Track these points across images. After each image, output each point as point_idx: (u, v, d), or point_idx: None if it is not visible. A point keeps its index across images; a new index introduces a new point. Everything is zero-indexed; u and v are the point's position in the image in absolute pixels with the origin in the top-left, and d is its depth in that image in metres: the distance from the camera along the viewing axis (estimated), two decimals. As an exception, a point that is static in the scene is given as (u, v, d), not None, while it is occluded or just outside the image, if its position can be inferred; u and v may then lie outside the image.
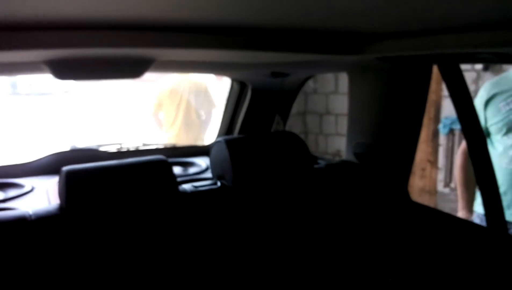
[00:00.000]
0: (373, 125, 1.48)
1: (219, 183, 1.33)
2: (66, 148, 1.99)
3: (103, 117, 9.13)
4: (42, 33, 0.96)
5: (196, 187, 1.30)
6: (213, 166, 1.38)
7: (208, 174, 1.84)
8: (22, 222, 1.04)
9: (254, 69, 1.55)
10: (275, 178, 1.32)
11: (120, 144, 2.08)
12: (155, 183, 1.16)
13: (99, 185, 1.10)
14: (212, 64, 1.47)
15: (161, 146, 2.18)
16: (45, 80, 11.30)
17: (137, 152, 2.06)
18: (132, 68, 1.20)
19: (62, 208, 1.08)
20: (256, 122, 1.96)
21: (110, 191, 1.10)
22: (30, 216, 1.06)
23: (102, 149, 2.01)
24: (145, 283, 1.12)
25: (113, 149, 2.04)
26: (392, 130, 1.46)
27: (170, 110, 3.45)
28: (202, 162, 1.96)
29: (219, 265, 1.22)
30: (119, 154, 2.01)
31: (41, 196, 1.57)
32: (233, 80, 1.96)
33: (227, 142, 1.29)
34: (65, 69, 1.14)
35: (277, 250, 1.29)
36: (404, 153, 1.49)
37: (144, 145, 2.13)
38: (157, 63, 1.25)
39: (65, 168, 1.09)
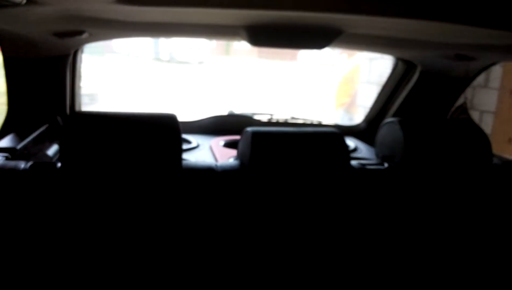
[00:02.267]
0: None
1: (386, 164, 1.30)
2: (224, 112, 2.13)
3: (236, 88, 9.58)
4: None
5: (362, 164, 1.29)
6: (379, 146, 1.35)
7: (357, 155, 1.81)
8: (210, 171, 1.13)
9: (439, 49, 1.46)
10: (448, 167, 1.24)
11: (271, 114, 2.15)
12: (331, 153, 1.17)
13: (280, 148, 1.15)
14: (393, 41, 1.42)
15: (308, 122, 2.20)
16: (185, 49, 12.21)
17: (287, 124, 2.12)
18: (319, 39, 1.23)
19: (243, 164, 1.16)
20: (417, 107, 1.87)
21: (288, 156, 1.15)
22: (217, 167, 1.15)
23: (255, 117, 2.11)
24: (302, 239, 1.14)
25: (264, 118, 2.13)
26: None
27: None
28: (351, 142, 1.93)
29: (376, 244, 1.20)
30: (271, 124, 2.09)
31: (206, 152, 1.70)
32: (398, 59, 1.88)
33: (401, 123, 1.24)
34: (259, 35, 1.21)
35: (423, 242, 1.22)
36: None
37: (293, 118, 2.17)
38: (341, 37, 1.25)
39: (250, 129, 1.16)
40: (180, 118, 2.00)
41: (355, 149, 1.88)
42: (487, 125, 4.15)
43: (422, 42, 1.36)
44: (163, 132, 1.07)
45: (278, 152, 1.15)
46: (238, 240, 1.11)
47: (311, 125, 2.15)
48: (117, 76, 10.24)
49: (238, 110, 2.21)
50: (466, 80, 1.78)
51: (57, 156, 1.38)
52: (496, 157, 1.46)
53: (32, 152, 1.38)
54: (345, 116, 4.05)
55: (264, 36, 1.22)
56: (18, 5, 0.89)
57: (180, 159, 1.09)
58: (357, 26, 1.20)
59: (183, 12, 1.12)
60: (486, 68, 1.69)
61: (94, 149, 1.04)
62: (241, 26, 1.20)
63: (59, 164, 1.08)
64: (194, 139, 1.82)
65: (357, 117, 4.63)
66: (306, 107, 6.71)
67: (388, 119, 1.30)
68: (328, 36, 1.23)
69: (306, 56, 11.34)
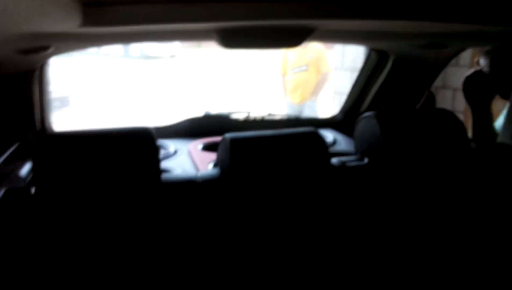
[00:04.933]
0: None
1: (366, 160, 1.30)
2: (200, 114, 2.10)
3: (209, 82, 9.51)
4: (213, 6, 1.00)
5: (342, 161, 1.29)
6: (357, 141, 1.35)
7: (336, 148, 1.82)
8: (191, 183, 1.11)
9: (411, 39, 1.47)
10: (427, 158, 1.26)
11: (248, 112, 2.14)
12: (311, 154, 1.17)
13: (259, 153, 1.14)
14: (366, 34, 1.42)
15: (285, 117, 2.20)
16: (154, 46, 12.01)
17: (265, 122, 2.10)
18: (293, 38, 1.22)
19: (223, 172, 1.14)
20: (392, 96, 1.88)
21: (268, 160, 1.14)
22: (197, 178, 1.13)
23: (232, 116, 2.09)
24: (288, 245, 1.14)
25: (241, 117, 2.11)
26: None
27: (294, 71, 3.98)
28: (330, 135, 1.94)
29: (359, 239, 1.21)
30: (248, 123, 2.07)
31: (184, 158, 1.67)
32: (371, 50, 1.89)
33: (377, 116, 1.25)
34: (232, 38, 1.19)
35: (412, 235, 1.23)
36: None
37: (270, 115, 2.16)
38: (314, 33, 1.24)
39: (228, 136, 1.14)
40: (156, 123, 2.00)
41: (334, 142, 1.88)
42: (460, 102, 4.22)
43: (394, 34, 1.37)
44: (139, 148, 1.05)
45: (258, 157, 1.14)
46: (223, 249, 1.10)
47: (289, 121, 2.15)
48: (87, 76, 10.02)
49: (214, 110, 2.19)
50: (439, 66, 1.80)
51: (30, 176, 1.34)
52: (473, 142, 1.48)
53: (4, 173, 1.33)
54: (312, 106, 4.05)
55: (237, 39, 1.21)
56: None
57: (159, 174, 1.07)
58: (329, 24, 1.19)
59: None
60: (457, 53, 1.72)
61: (69, 172, 1.01)
62: (213, 30, 1.18)
63: (33, 189, 1.04)
64: (171, 144, 1.79)
65: (327, 106, 4.66)
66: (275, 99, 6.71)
67: (365, 114, 1.30)
68: (301, 35, 1.22)
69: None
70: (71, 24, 0.92)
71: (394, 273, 1.19)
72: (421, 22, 1.11)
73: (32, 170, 1.21)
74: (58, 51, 1.45)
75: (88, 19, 0.94)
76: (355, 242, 1.18)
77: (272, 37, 1.22)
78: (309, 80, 4.04)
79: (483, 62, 1.57)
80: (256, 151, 1.14)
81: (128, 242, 1.05)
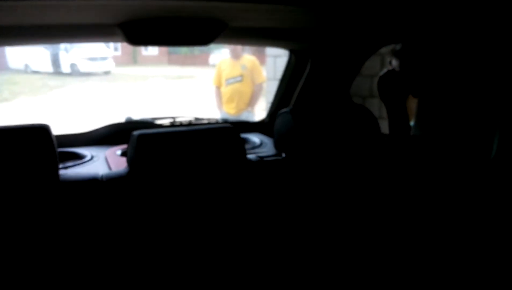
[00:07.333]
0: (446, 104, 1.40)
1: (283, 154, 1.29)
2: (121, 119, 2.01)
3: (143, 97, 9.31)
4: None
5: (260, 157, 1.28)
6: (276, 137, 1.35)
7: (262, 150, 1.81)
8: (93, 182, 1.05)
9: (323, 39, 1.49)
10: (342, 151, 1.27)
11: (174, 118, 2.08)
12: (225, 149, 1.14)
13: (169, 149, 1.09)
14: (278, 33, 1.42)
15: (213, 121, 2.16)
16: (88, 60, 11.58)
17: (191, 126, 2.06)
18: (203, 33, 1.18)
19: (131, 170, 1.08)
20: (313, 96, 1.91)
21: (179, 155, 1.09)
22: (102, 177, 1.07)
23: (156, 122, 2.02)
24: (205, 242, 1.11)
25: (166, 122, 2.04)
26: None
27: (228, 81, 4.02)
28: (256, 138, 1.93)
29: (281, 234, 1.20)
30: (173, 128, 2.01)
31: (101, 164, 1.58)
32: (291, 52, 1.91)
33: (292, 112, 1.25)
34: (137, 32, 1.14)
35: (337, 224, 1.24)
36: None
37: (197, 119, 2.12)
38: (226, 32, 1.22)
39: (136, 132, 1.09)
40: (74, 130, 1.88)
41: (260, 144, 1.87)
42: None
43: (305, 33, 1.39)
44: (33, 145, 0.96)
45: (167, 152, 1.09)
46: (129, 247, 1.04)
47: (214, 124, 2.11)
48: (15, 94, 9.48)
49: (137, 116, 2.11)
50: (355, 65, 1.85)
51: None
52: (385, 136, 1.53)
53: None
54: (249, 116, 4.07)
55: (142, 32, 1.15)
56: None
57: (56, 172, 0.99)
58: (240, 18, 1.18)
59: (44, 9, 1.00)
60: (370, 54, 1.77)
61: None
62: (116, 24, 1.12)
63: None
64: (88, 151, 1.69)
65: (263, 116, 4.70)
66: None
67: (282, 110, 1.30)
68: (212, 30, 1.19)
69: (217, 60, 11.36)
70: None
71: (310, 265, 1.18)
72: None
73: None
74: None
75: None
76: (271, 235, 1.16)
77: (180, 32, 1.18)
78: (244, 90, 4.06)
79: (395, 62, 1.63)
80: (165, 147, 1.10)
81: (25, 241, 0.96)
